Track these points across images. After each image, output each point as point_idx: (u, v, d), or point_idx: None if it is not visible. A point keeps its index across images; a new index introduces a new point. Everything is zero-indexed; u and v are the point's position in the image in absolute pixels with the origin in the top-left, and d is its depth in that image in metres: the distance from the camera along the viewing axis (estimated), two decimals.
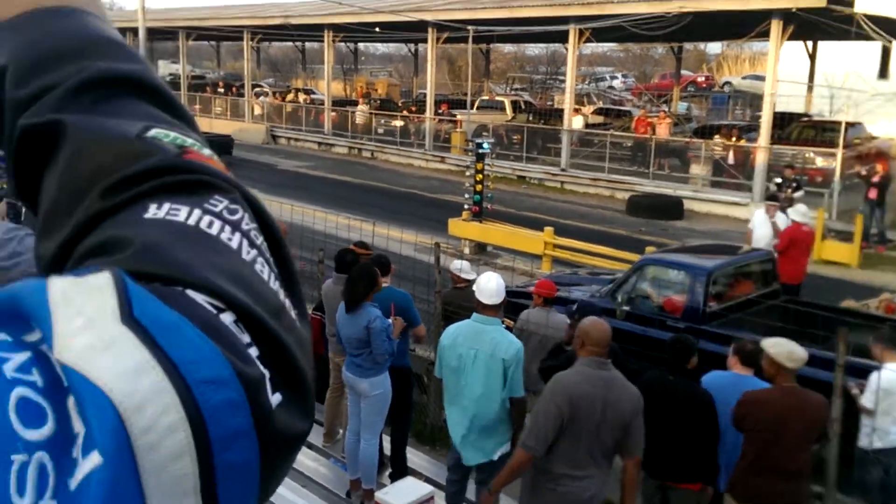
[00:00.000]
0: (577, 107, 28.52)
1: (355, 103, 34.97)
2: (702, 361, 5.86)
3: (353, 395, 5.83)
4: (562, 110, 24.36)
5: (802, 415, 4.62)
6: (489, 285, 4.98)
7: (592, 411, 4.06)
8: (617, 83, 48.77)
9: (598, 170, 22.13)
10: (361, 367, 5.64)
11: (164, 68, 57.43)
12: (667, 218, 18.24)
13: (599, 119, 28.79)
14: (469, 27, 22.96)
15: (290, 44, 46.86)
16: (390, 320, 5.67)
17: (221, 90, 38.69)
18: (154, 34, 40.89)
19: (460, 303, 6.54)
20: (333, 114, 30.94)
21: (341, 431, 6.45)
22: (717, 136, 20.51)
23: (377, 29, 28.36)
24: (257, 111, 34.05)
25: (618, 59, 58.61)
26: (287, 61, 57.23)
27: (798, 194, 15.25)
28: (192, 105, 35.90)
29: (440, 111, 27.76)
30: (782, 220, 10.82)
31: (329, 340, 6.46)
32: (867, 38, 17.87)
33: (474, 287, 5.16)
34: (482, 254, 14.53)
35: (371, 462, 5.73)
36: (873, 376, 5.71)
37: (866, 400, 5.71)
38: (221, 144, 26.09)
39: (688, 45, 44.09)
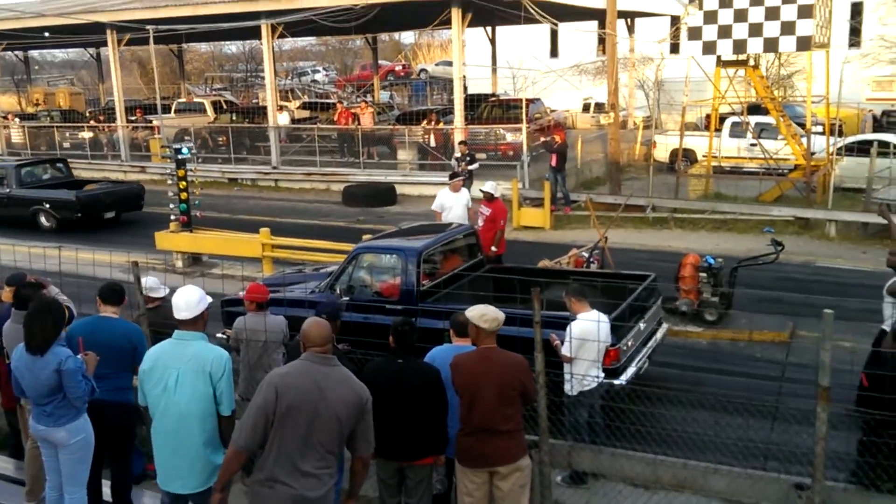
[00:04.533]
0: (282, 103, 28.12)
1: (35, 117, 31.24)
2: (422, 338, 6.03)
3: (47, 448, 5.12)
4: (266, 108, 23.86)
5: (495, 375, 4.83)
6: (180, 300, 4.63)
7: (304, 405, 3.90)
8: (320, 76, 49.08)
9: (310, 164, 22.11)
10: (54, 416, 4.98)
11: None
12: (382, 204, 18.74)
13: (306, 114, 28.72)
14: (149, 27, 21.43)
15: None
16: (80, 356, 5.05)
17: None
18: None
19: (163, 321, 6.02)
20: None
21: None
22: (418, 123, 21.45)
23: (47, 34, 25.41)
24: None
25: (319, 53, 58.92)
26: None
27: (473, 167, 16.67)
28: None
29: (134, 118, 25.73)
30: (465, 195, 11.71)
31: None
32: (536, 21, 19.73)
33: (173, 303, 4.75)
34: (198, 265, 13.73)
35: None
36: (569, 327, 6.29)
37: (565, 349, 6.27)
38: (130, 196, 18.51)
39: (383, 36, 45.59)
